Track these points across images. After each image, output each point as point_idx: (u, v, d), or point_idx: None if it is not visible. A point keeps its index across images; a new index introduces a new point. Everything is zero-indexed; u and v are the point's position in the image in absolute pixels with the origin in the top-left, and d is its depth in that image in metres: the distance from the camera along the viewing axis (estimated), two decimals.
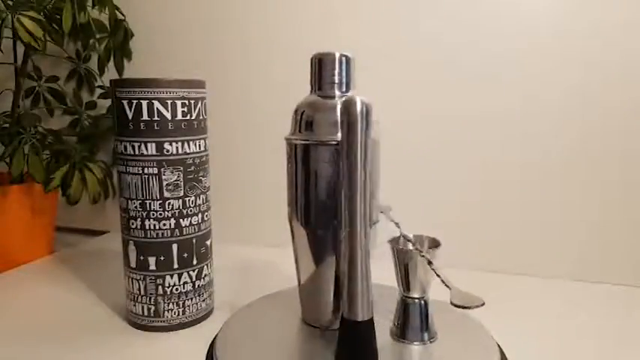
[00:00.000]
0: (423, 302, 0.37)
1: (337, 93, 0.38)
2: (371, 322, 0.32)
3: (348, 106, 0.31)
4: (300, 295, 0.41)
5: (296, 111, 0.38)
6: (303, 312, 0.41)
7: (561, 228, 0.56)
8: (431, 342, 0.37)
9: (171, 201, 0.41)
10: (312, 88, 0.39)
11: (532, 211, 0.56)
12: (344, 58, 0.38)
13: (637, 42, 0.51)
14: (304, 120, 0.37)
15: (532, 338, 0.42)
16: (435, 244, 0.38)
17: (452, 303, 0.32)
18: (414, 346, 0.37)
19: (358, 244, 0.32)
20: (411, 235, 0.38)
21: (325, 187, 0.36)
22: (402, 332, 0.38)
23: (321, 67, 0.38)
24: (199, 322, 0.44)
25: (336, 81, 0.38)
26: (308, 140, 0.36)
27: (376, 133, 0.37)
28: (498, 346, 0.38)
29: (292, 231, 0.39)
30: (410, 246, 0.37)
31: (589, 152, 0.54)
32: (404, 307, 0.38)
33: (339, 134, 0.34)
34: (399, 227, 0.38)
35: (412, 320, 0.37)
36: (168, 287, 0.42)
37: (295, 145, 0.37)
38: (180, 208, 0.42)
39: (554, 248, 0.56)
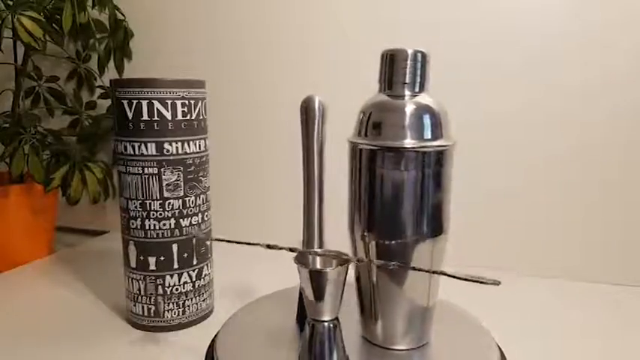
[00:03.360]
0: (332, 325, 0.34)
1: (408, 93, 0.34)
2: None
3: (308, 103, 0.37)
4: (362, 311, 0.38)
5: (363, 112, 0.35)
6: (363, 330, 0.38)
7: (562, 228, 0.56)
8: None
9: (171, 201, 0.41)
10: (380, 87, 0.36)
11: (533, 211, 0.56)
12: (419, 55, 0.34)
13: None
14: (371, 122, 0.34)
15: (532, 338, 0.42)
16: (342, 261, 0.33)
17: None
18: None
19: (315, 217, 0.37)
20: (319, 251, 0.35)
21: (392, 195, 0.33)
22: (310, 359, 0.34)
23: (392, 64, 0.34)
24: (199, 322, 0.44)
25: (408, 80, 0.34)
26: (375, 145, 0.33)
27: (450, 138, 0.35)
28: (498, 346, 0.38)
29: (353, 242, 0.37)
30: (318, 263, 0.34)
31: (591, 153, 0.54)
32: (312, 331, 0.34)
33: (408, 140, 0.33)
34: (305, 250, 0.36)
35: (321, 346, 0.33)
36: (168, 287, 0.42)
37: (361, 149, 0.34)
38: (180, 208, 0.42)
39: (555, 248, 0.56)
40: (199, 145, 0.43)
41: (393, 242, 0.34)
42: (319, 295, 0.32)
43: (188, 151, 0.42)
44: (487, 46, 0.55)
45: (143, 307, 0.42)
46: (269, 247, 0.34)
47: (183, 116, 0.41)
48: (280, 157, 0.66)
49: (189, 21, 0.67)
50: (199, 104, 0.42)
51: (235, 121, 0.66)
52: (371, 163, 0.34)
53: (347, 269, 0.33)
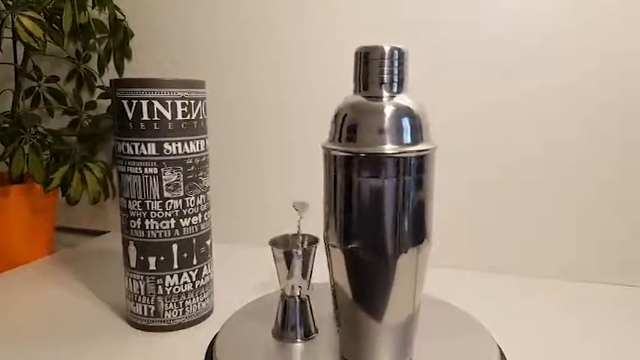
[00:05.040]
0: (299, 300, 0.39)
1: (385, 94, 0.32)
2: None
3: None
4: (339, 329, 0.36)
5: (336, 114, 0.33)
6: (342, 348, 0.36)
7: (560, 228, 0.56)
8: (310, 339, 0.39)
9: (171, 201, 0.41)
10: (356, 88, 0.33)
11: (531, 211, 0.56)
12: (396, 52, 0.32)
13: None
14: (346, 126, 0.32)
15: (532, 338, 0.42)
16: (312, 240, 0.39)
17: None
18: (295, 343, 0.38)
19: None
20: (289, 233, 0.39)
21: (371, 205, 0.31)
22: (282, 331, 0.39)
23: (367, 62, 0.32)
24: (199, 322, 0.44)
25: (385, 80, 0.32)
26: (350, 151, 0.31)
27: (431, 142, 0.32)
28: (498, 346, 0.38)
29: (329, 254, 0.34)
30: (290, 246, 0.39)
31: (586, 152, 0.54)
32: (285, 306, 0.39)
33: (387, 145, 0.30)
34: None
35: (291, 319, 0.39)
36: (168, 287, 0.42)
37: (335, 156, 0.32)
38: (180, 208, 0.42)
39: (553, 248, 0.56)
40: (199, 145, 0.43)
41: (370, 255, 0.32)
42: (290, 272, 0.38)
43: (188, 151, 0.42)
44: (486, 46, 0.55)
45: (143, 307, 0.42)
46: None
47: (183, 116, 0.41)
48: (280, 157, 0.66)
49: (189, 21, 0.67)
50: (199, 104, 0.42)
51: (235, 121, 0.66)
52: (346, 171, 0.31)
53: (314, 251, 0.38)
